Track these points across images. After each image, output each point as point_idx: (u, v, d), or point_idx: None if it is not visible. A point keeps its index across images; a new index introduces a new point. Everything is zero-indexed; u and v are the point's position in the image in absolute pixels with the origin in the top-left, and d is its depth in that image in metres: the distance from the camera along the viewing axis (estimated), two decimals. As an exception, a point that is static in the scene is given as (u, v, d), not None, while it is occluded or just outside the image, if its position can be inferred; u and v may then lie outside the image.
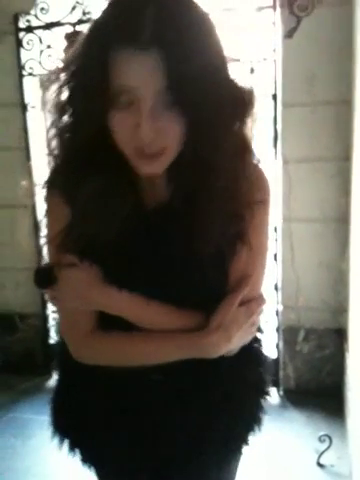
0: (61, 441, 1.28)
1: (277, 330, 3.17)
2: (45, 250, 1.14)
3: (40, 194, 1.12)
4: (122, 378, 1.11)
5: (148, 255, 1.03)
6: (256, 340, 1.21)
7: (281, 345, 3.14)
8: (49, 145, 1.02)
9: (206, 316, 1.05)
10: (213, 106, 0.87)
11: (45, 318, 3.61)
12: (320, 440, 2.60)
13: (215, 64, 0.88)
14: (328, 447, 2.58)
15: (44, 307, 3.60)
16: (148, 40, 0.82)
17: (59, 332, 1.24)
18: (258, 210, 1.04)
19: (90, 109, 0.89)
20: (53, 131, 0.99)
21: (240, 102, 0.94)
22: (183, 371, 1.09)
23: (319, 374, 3.12)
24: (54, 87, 0.96)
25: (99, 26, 0.89)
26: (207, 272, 1.03)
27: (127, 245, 1.02)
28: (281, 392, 3.16)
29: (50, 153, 1.04)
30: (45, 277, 1.07)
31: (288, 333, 3.12)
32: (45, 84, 0.99)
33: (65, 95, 0.95)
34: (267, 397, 1.27)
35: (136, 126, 0.87)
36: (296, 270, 3.02)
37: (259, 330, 1.21)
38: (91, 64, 0.86)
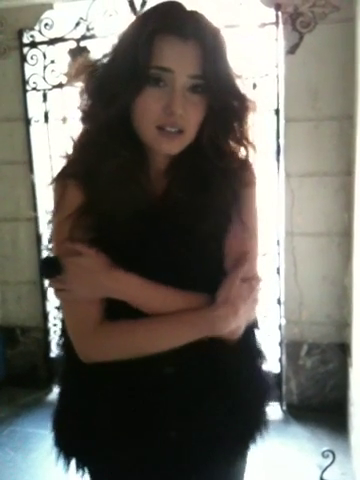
0: (65, 459, 1.25)
1: (280, 344, 3.16)
2: (50, 243, 1.16)
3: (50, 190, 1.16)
4: (132, 379, 1.11)
5: (152, 240, 1.08)
6: (254, 334, 1.24)
7: (284, 359, 3.13)
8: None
9: (209, 297, 1.09)
10: (230, 97, 1.07)
11: (47, 331, 3.60)
12: (323, 456, 2.58)
13: (230, 66, 1.07)
14: (331, 463, 2.56)
15: (46, 320, 3.59)
16: (189, 32, 1.00)
17: (62, 343, 1.23)
18: (249, 192, 1.17)
19: (129, 84, 1.02)
20: (78, 116, 1.12)
21: (246, 100, 1.11)
22: (194, 364, 1.12)
23: (322, 389, 3.10)
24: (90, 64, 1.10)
25: (148, 16, 1.04)
26: (210, 254, 1.11)
27: (133, 232, 1.07)
28: (284, 407, 3.14)
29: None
30: (52, 267, 1.06)
31: (291, 347, 3.12)
32: (77, 57, 1.14)
33: (100, 76, 1.07)
34: (270, 394, 1.30)
35: (165, 106, 1.02)
36: (299, 284, 3.02)
37: (256, 325, 1.24)
38: (138, 45, 1.00)
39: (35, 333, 3.61)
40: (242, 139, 1.13)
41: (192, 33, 1.00)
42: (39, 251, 3.51)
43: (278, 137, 2.94)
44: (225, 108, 1.07)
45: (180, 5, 1.05)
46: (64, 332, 1.20)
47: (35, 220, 3.47)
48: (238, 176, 1.14)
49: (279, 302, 3.12)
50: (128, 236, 1.07)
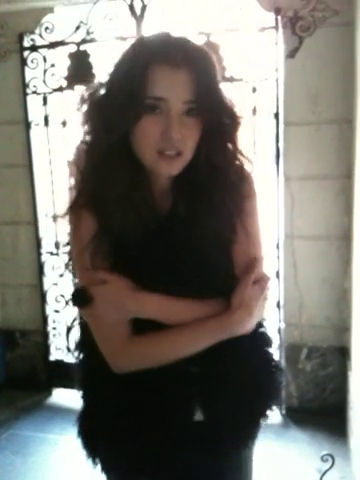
0: (93, 458, 1.34)
1: (279, 348, 3.15)
2: (73, 273, 1.27)
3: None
4: (158, 377, 1.18)
5: (165, 256, 1.17)
6: (262, 325, 1.33)
7: (283, 363, 3.13)
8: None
9: (222, 302, 1.18)
10: (223, 116, 1.13)
11: (46, 335, 3.61)
12: (323, 459, 2.57)
13: (220, 87, 1.13)
14: (331, 467, 2.55)
15: (45, 324, 3.60)
16: (179, 61, 1.06)
17: (82, 348, 1.32)
18: (249, 201, 1.23)
19: (126, 115, 1.08)
20: (81, 149, 1.18)
21: (236, 117, 1.17)
22: (217, 361, 1.20)
23: (322, 393, 3.10)
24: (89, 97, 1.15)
25: (141, 49, 1.10)
26: (216, 265, 1.19)
27: (146, 250, 1.16)
28: (283, 411, 3.13)
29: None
30: (82, 297, 1.16)
31: (291, 351, 3.12)
32: (84, 98, 1.17)
33: (99, 107, 1.13)
34: (281, 375, 1.38)
35: (163, 131, 1.08)
36: (299, 287, 3.02)
37: (261, 325, 1.32)
38: (132, 78, 1.06)
39: (35, 336, 3.62)
40: (236, 153, 1.20)
41: (182, 61, 1.06)
42: (39, 254, 3.52)
43: (278, 141, 2.94)
44: (218, 127, 1.14)
45: (168, 35, 1.12)
46: (83, 341, 1.31)
47: (35, 223, 3.48)
48: (238, 189, 1.20)
49: (279, 305, 3.12)
50: (141, 255, 1.16)
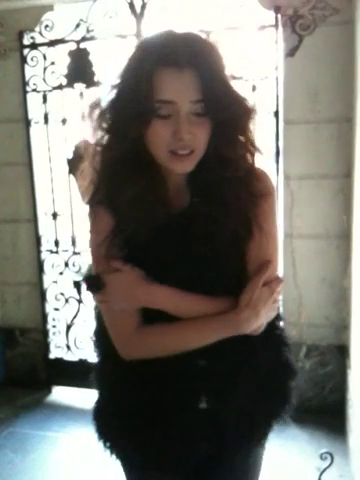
0: (105, 443, 1.37)
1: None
2: (89, 260, 1.29)
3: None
4: (167, 369, 1.22)
5: (179, 253, 1.19)
6: (278, 327, 1.35)
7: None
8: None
9: (232, 300, 1.19)
10: (232, 113, 1.13)
11: (46, 333, 3.61)
12: (322, 458, 2.58)
13: (228, 81, 1.14)
14: (330, 465, 2.55)
15: (45, 322, 3.60)
16: (184, 62, 1.07)
17: (98, 341, 1.36)
18: (265, 200, 1.23)
19: (137, 120, 1.10)
20: (97, 150, 1.21)
21: (246, 109, 1.17)
22: (224, 355, 1.23)
23: (321, 391, 3.11)
24: (98, 105, 1.18)
25: (145, 53, 1.11)
26: (229, 262, 1.20)
27: (160, 245, 1.19)
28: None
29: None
30: (95, 283, 1.22)
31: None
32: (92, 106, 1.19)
33: (109, 113, 1.17)
34: (294, 377, 1.39)
35: (174, 132, 1.11)
36: (298, 286, 3.02)
37: (279, 318, 1.35)
38: (139, 84, 1.08)
39: (34, 334, 3.62)
40: (246, 146, 1.20)
41: (187, 62, 1.08)
42: (39, 252, 3.52)
43: (277, 139, 2.94)
44: (229, 122, 1.14)
45: (173, 35, 1.12)
46: (98, 331, 1.35)
47: (35, 221, 3.48)
48: (252, 185, 1.21)
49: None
50: (155, 250, 1.19)
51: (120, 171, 1.17)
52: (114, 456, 1.37)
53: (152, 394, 1.25)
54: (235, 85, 1.15)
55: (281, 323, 1.38)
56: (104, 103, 1.18)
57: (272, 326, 1.30)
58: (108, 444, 1.36)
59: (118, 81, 1.15)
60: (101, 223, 1.23)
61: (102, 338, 1.33)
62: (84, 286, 1.28)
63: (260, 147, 1.23)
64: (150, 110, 1.10)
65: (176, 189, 1.24)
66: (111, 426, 1.35)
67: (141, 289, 1.19)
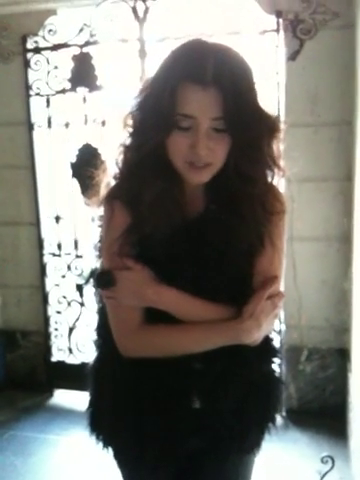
0: (97, 439, 1.40)
1: (280, 349, 3.15)
2: (100, 256, 1.33)
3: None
4: (162, 370, 1.25)
5: (190, 257, 1.22)
6: (271, 340, 1.38)
7: (284, 365, 3.13)
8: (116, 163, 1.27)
9: (235, 309, 1.22)
10: (252, 132, 1.14)
11: (47, 335, 3.61)
12: (323, 461, 2.57)
13: (254, 99, 1.15)
14: (331, 468, 2.55)
15: (46, 324, 3.61)
16: (209, 81, 1.08)
17: (99, 338, 1.39)
18: (280, 218, 1.28)
19: (158, 129, 1.13)
20: (121, 149, 1.24)
21: (270, 128, 1.20)
22: (219, 360, 1.25)
23: (322, 394, 3.10)
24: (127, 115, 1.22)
25: (173, 66, 1.13)
26: (239, 271, 1.24)
27: (173, 248, 1.22)
28: (283, 412, 3.13)
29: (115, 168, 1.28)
30: (106, 279, 1.24)
31: (291, 352, 3.12)
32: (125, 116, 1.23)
33: (135, 119, 1.21)
34: (282, 386, 1.47)
35: (191, 146, 1.13)
36: (299, 289, 3.02)
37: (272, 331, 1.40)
38: (163, 95, 1.11)
39: (35, 337, 3.63)
40: (269, 162, 1.23)
41: (212, 79, 1.09)
42: (41, 255, 3.53)
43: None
44: (248, 139, 1.15)
45: (203, 49, 1.13)
46: (99, 327, 1.38)
47: (37, 224, 3.49)
48: (269, 203, 1.25)
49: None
50: (167, 252, 1.21)
51: (140, 172, 1.20)
52: (109, 451, 1.39)
53: (146, 392, 1.27)
54: (261, 103, 1.17)
55: (274, 336, 1.42)
56: (132, 104, 1.21)
57: (267, 339, 1.33)
58: (101, 437, 1.39)
59: (146, 87, 1.18)
60: (117, 219, 1.24)
61: (103, 335, 1.36)
62: (94, 281, 1.31)
63: (282, 166, 1.27)
64: (171, 122, 1.12)
65: (192, 195, 1.26)
66: (104, 421, 1.37)
67: (151, 289, 1.21)
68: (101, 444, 1.39)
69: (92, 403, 1.42)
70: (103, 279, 1.25)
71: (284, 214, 1.30)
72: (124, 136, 1.24)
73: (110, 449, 1.39)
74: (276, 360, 1.41)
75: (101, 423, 1.39)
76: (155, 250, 1.21)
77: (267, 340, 1.34)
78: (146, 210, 1.19)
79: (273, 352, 1.40)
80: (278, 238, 1.27)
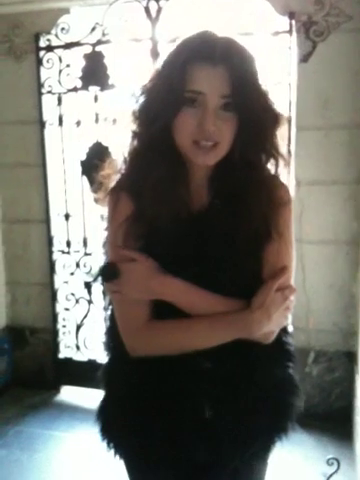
0: (107, 442, 1.38)
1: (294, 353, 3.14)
2: (106, 252, 1.32)
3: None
4: (172, 371, 1.23)
5: (195, 250, 1.21)
6: (286, 342, 1.38)
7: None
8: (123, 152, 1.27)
9: (244, 302, 1.21)
10: (259, 113, 1.15)
11: (55, 333, 3.63)
12: (328, 463, 2.58)
13: (259, 83, 1.18)
14: (336, 470, 2.56)
15: (55, 322, 3.62)
16: (218, 58, 1.12)
17: (108, 340, 1.37)
18: (286, 209, 1.26)
19: (166, 107, 1.15)
20: (130, 136, 1.25)
21: (274, 117, 1.21)
22: (229, 360, 1.24)
23: (328, 397, 3.10)
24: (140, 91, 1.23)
25: (182, 48, 1.17)
26: (245, 264, 1.22)
27: (178, 242, 1.20)
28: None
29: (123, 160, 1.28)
30: (110, 271, 1.23)
31: (298, 355, 3.08)
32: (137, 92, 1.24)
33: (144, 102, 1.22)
34: (299, 394, 1.41)
35: (199, 123, 1.14)
36: (307, 292, 3.02)
37: (287, 333, 1.38)
38: (173, 73, 1.14)
39: (44, 334, 3.64)
40: (272, 151, 1.23)
41: (221, 58, 1.12)
42: (50, 253, 3.54)
43: (289, 144, 2.95)
44: (253, 123, 1.16)
45: (210, 34, 1.17)
46: (109, 330, 1.36)
47: (47, 222, 3.51)
48: (274, 191, 1.24)
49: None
50: (172, 242, 1.20)
51: (146, 157, 1.21)
52: (117, 456, 1.37)
53: (157, 396, 1.25)
54: (267, 92, 1.19)
55: (290, 339, 1.39)
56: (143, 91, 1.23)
57: (280, 341, 1.33)
58: (111, 444, 1.37)
59: (157, 71, 1.21)
60: (121, 209, 1.24)
61: (113, 338, 1.34)
62: (99, 275, 1.29)
63: (285, 156, 1.25)
64: (180, 98, 1.14)
65: (197, 187, 1.26)
66: (115, 425, 1.35)
67: (155, 280, 1.20)
68: (112, 450, 1.37)
69: (103, 408, 1.41)
70: (107, 271, 1.25)
71: (290, 204, 1.28)
72: (133, 125, 1.24)
73: (119, 454, 1.37)
74: (291, 364, 1.39)
75: (112, 429, 1.37)
76: (160, 244, 1.21)
77: (281, 342, 1.33)
78: (150, 195, 1.19)
79: (287, 355, 1.38)
80: (285, 228, 1.26)
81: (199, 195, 1.26)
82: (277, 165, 1.25)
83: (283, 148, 1.24)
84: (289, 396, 1.38)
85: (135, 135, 1.24)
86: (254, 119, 1.15)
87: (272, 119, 1.21)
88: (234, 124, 1.16)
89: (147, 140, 1.21)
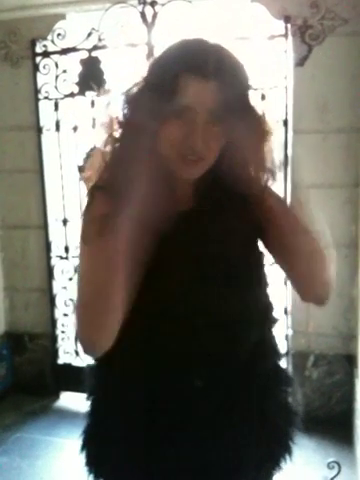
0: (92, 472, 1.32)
1: (286, 355, 3.15)
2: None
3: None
4: (160, 390, 1.16)
5: (183, 252, 1.14)
6: (280, 364, 1.32)
7: (290, 370, 3.13)
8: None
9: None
10: (247, 127, 1.11)
11: (55, 339, 3.63)
12: (329, 467, 2.58)
13: (248, 97, 1.15)
14: (337, 474, 2.55)
15: (54, 328, 3.62)
16: (210, 72, 1.07)
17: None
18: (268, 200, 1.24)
19: (153, 115, 1.09)
20: (109, 140, 1.18)
21: (264, 130, 1.17)
22: (223, 379, 1.17)
23: (328, 400, 3.10)
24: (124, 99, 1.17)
25: (174, 58, 1.11)
26: (235, 263, 1.18)
27: (162, 243, 1.11)
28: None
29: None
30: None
31: (297, 358, 3.11)
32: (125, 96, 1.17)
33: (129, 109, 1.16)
34: (298, 418, 1.35)
35: (186, 137, 1.10)
36: (306, 295, 3.01)
37: (279, 356, 1.33)
38: (163, 84, 1.08)
39: (43, 340, 3.63)
40: (260, 166, 1.20)
41: (213, 72, 1.07)
42: (49, 259, 3.54)
43: (286, 148, 2.95)
44: (244, 137, 1.13)
45: (205, 45, 1.12)
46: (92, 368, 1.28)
47: (45, 228, 3.50)
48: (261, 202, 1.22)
49: (286, 312, 3.12)
50: (155, 249, 1.12)
51: (127, 163, 1.13)
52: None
53: (145, 423, 1.17)
54: (257, 107, 1.17)
55: (281, 358, 1.34)
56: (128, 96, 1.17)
57: (276, 364, 1.30)
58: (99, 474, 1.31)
59: (146, 76, 1.14)
60: (97, 207, 1.14)
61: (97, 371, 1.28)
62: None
63: (274, 170, 1.22)
64: (169, 111, 1.09)
65: (181, 191, 1.22)
66: (102, 456, 1.29)
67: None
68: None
69: (88, 437, 1.35)
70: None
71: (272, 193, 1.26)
72: (114, 128, 1.18)
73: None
74: (289, 390, 1.33)
75: (99, 459, 1.31)
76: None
77: (277, 366, 1.29)
78: (130, 200, 1.09)
79: (286, 379, 1.33)
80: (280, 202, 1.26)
81: (183, 199, 1.22)
82: (267, 179, 1.21)
83: (272, 161, 1.21)
84: (286, 425, 1.33)
85: (117, 140, 1.18)
86: (242, 134, 1.12)
87: (261, 133, 1.17)
88: (221, 139, 1.13)
89: (130, 147, 1.13)
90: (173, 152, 1.12)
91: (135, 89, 1.15)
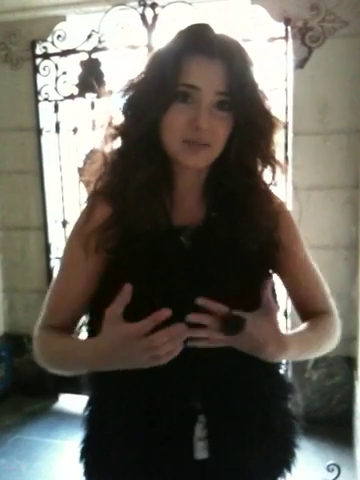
0: None
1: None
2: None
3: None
4: (156, 411, 1.10)
5: (173, 257, 1.08)
6: (282, 373, 1.28)
7: (290, 372, 3.12)
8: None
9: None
10: (257, 114, 1.08)
11: (54, 340, 3.60)
12: (328, 469, 2.57)
13: (256, 83, 1.09)
14: (337, 476, 2.55)
15: (53, 329, 3.59)
16: (216, 51, 1.03)
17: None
18: (285, 218, 1.22)
19: (157, 101, 1.05)
20: (110, 132, 1.14)
21: (273, 118, 1.13)
22: (221, 399, 1.11)
23: (328, 402, 3.10)
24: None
25: (178, 37, 1.08)
26: (246, 283, 1.09)
27: (154, 246, 1.08)
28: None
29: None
30: (236, 324, 1.02)
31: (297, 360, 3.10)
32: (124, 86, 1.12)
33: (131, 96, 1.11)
34: (300, 424, 1.31)
35: (191, 121, 1.04)
36: (306, 297, 3.01)
37: (282, 364, 1.27)
38: (166, 65, 1.04)
39: (42, 341, 3.61)
40: (268, 157, 1.14)
41: (219, 52, 1.03)
42: (48, 260, 3.54)
43: (286, 150, 2.95)
44: (251, 125, 1.08)
45: (208, 27, 1.08)
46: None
47: (44, 229, 3.50)
48: (272, 204, 1.18)
49: (286, 314, 3.12)
50: (148, 250, 1.07)
51: (130, 156, 1.10)
52: None
53: (144, 434, 1.12)
54: (265, 95, 1.12)
55: (283, 368, 1.29)
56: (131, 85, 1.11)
57: (279, 374, 1.25)
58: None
59: (147, 63, 1.10)
60: (94, 212, 1.12)
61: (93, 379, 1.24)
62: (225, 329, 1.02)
63: (281, 162, 1.16)
64: (172, 92, 1.04)
65: (183, 190, 1.16)
66: (100, 466, 1.27)
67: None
68: None
69: (85, 450, 1.33)
70: (233, 324, 1.01)
71: (289, 213, 1.25)
72: (116, 120, 1.14)
73: None
74: (290, 396, 1.29)
75: (99, 472, 1.29)
76: (135, 246, 1.07)
77: (279, 376, 1.25)
78: (130, 198, 1.08)
79: (288, 388, 1.29)
80: (296, 245, 1.24)
81: (186, 198, 1.16)
82: (274, 172, 1.16)
83: (279, 155, 1.17)
84: (290, 435, 1.28)
85: (119, 134, 1.13)
86: (251, 121, 1.07)
87: (270, 123, 1.11)
88: (229, 124, 1.07)
89: (132, 139, 1.09)
90: (177, 137, 1.06)
91: (137, 77, 1.10)
